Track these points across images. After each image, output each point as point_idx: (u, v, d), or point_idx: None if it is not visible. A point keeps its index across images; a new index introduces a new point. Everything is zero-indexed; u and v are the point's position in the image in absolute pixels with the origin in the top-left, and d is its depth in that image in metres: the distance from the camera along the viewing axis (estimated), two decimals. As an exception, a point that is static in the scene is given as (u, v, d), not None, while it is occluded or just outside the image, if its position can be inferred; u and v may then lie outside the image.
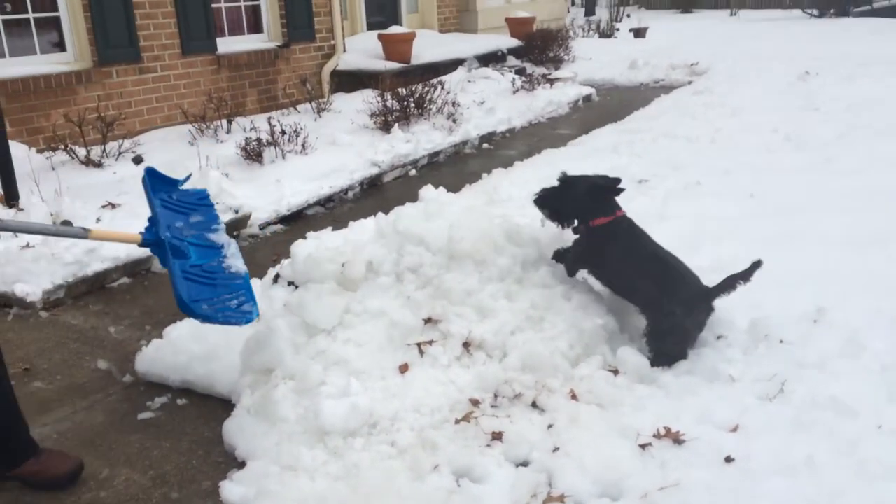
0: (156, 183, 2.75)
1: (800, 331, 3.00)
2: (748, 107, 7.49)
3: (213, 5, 7.88)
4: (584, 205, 3.14)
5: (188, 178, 2.96)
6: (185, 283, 2.42)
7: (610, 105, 9.00)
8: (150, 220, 2.61)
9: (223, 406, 3.00)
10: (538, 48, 11.39)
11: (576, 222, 3.21)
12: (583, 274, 3.24)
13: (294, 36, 8.77)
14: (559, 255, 3.25)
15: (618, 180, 3.15)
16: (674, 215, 4.39)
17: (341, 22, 9.34)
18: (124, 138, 6.36)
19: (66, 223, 4.43)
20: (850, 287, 3.34)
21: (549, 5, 15.42)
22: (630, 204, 4.58)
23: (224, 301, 2.54)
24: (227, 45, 8.11)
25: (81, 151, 5.95)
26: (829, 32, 15.84)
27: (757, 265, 2.89)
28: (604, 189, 3.13)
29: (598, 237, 3.10)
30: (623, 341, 3.04)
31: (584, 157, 5.99)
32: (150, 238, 2.54)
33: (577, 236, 3.22)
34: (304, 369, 2.80)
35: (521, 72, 10.57)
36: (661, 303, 2.92)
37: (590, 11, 26.54)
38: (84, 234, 2.38)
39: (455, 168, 6.59)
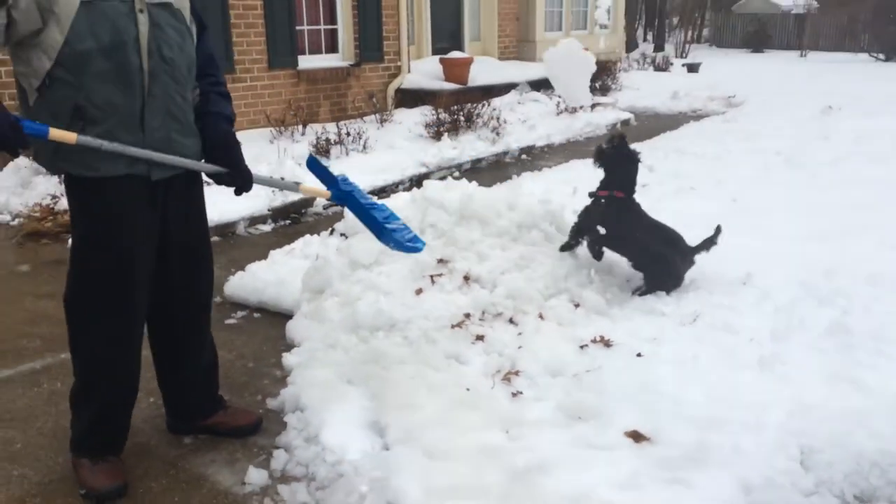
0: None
1: (728, 288, 3.88)
2: (764, 133, 8.30)
3: (297, 28, 9.16)
4: (626, 163, 4.05)
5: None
6: (379, 223, 2.91)
7: (644, 128, 9.89)
8: (326, 180, 2.96)
9: (287, 318, 4.04)
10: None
11: None
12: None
13: (365, 57, 9.98)
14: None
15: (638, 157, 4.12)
16: (661, 209, 5.26)
17: (408, 46, 10.53)
18: (217, 135, 7.59)
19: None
20: (781, 265, 4.18)
21: (605, 39, 16.40)
22: (630, 202, 5.51)
23: (403, 234, 2.99)
24: (307, 62, 9.37)
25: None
26: (883, 75, 16.32)
27: (719, 230, 4.00)
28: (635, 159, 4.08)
29: (612, 208, 4.02)
30: (590, 289, 3.97)
31: (603, 166, 6.91)
32: (337, 193, 2.93)
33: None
34: (348, 289, 3.84)
35: (569, 97, 11.53)
36: (667, 259, 3.92)
37: (659, 47, 27.46)
38: (296, 187, 2.92)
39: (494, 173, 7.60)
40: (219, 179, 2.61)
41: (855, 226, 4.82)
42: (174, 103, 2.41)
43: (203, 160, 2.57)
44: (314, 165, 3.00)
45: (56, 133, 2.22)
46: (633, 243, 4.00)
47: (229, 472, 2.76)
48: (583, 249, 4.19)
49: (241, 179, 2.61)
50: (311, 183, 3.06)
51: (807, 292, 3.72)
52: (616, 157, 4.02)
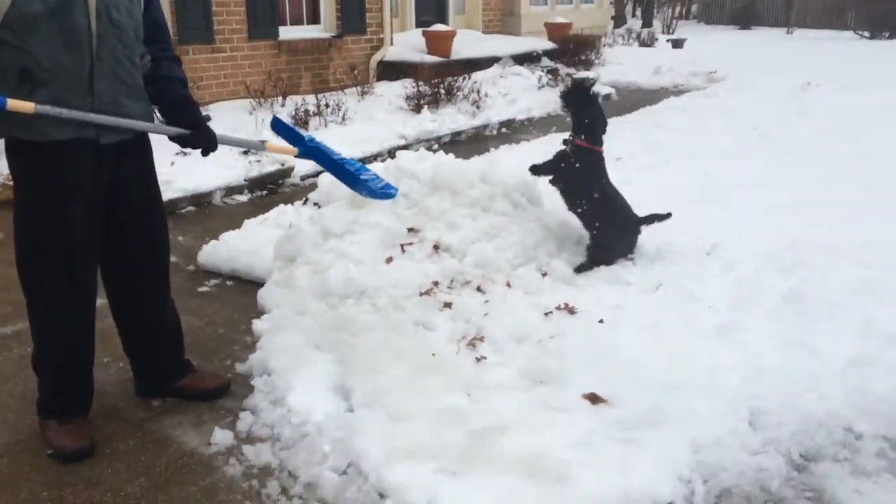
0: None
1: (693, 259, 3.95)
2: (742, 108, 8.36)
3: (278, -2, 9.10)
4: (586, 100, 4.13)
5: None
6: (351, 173, 2.99)
7: (624, 103, 9.91)
8: (292, 140, 2.98)
9: (260, 286, 4.07)
10: (571, 51, 12.34)
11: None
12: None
13: (347, 28, 9.92)
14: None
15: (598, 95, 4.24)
16: (636, 181, 5.33)
17: (390, 19, 10.47)
18: (196, 105, 7.56)
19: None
20: (748, 236, 4.24)
21: (591, 14, 16.36)
22: (605, 174, 5.56)
23: (375, 183, 3.07)
24: (288, 32, 9.30)
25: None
26: (865, 52, 16.38)
27: (668, 215, 4.00)
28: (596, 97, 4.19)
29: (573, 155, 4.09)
30: (558, 258, 4.03)
31: (580, 140, 6.95)
32: (304, 150, 2.95)
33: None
34: (319, 258, 3.87)
35: (552, 72, 11.50)
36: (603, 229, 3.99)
37: (647, 23, 27.38)
38: (262, 145, 2.94)
39: (473, 146, 7.61)
40: (183, 142, 2.63)
41: (822, 199, 4.89)
42: (122, 67, 2.42)
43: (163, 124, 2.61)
44: (279, 126, 3.02)
45: (14, 104, 2.24)
46: (588, 201, 4.04)
47: (195, 434, 2.82)
48: (553, 218, 4.26)
49: (205, 140, 2.64)
50: (278, 142, 3.08)
51: (769, 263, 3.79)
52: (575, 97, 4.12)
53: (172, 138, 2.62)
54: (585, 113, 4.08)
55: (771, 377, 2.84)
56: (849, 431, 2.58)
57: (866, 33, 22.50)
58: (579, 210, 4.10)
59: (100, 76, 2.36)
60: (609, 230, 4.00)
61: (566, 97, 4.17)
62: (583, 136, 4.08)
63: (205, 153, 2.70)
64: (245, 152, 6.12)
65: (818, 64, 13.11)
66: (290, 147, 3.00)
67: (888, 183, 5.17)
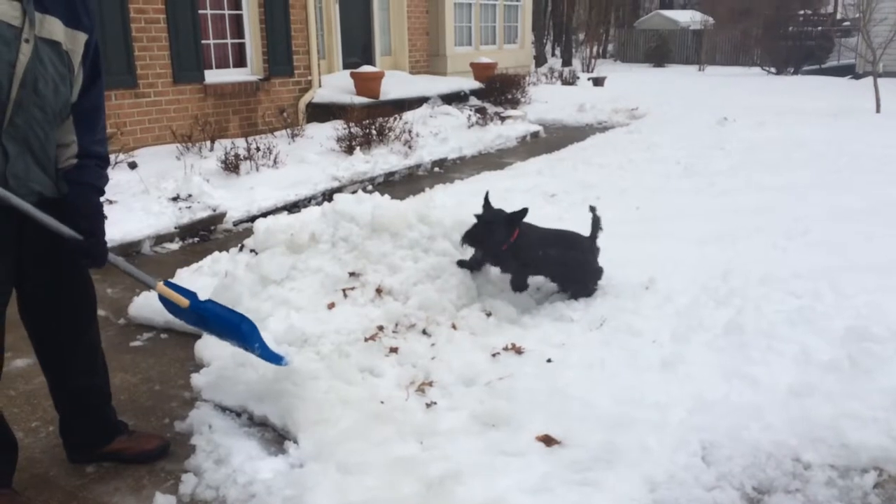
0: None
1: (632, 293, 4.02)
2: (665, 143, 8.66)
3: (203, 42, 8.98)
4: (505, 231, 3.96)
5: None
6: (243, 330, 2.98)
7: (552, 140, 10.15)
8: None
9: (196, 338, 3.93)
10: (497, 90, 12.60)
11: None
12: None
13: (275, 71, 9.87)
14: (468, 263, 4.07)
15: (525, 210, 3.98)
16: (570, 217, 5.41)
17: (318, 61, 10.48)
18: (120, 152, 7.35)
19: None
20: (682, 268, 4.36)
21: (514, 54, 16.76)
22: (540, 211, 5.67)
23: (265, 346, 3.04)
24: (214, 76, 9.18)
25: (83, 160, 6.92)
26: (774, 87, 17.27)
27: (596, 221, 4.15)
28: (520, 217, 3.99)
29: (520, 245, 3.99)
30: (501, 298, 4.03)
31: (513, 177, 7.07)
32: (196, 305, 2.95)
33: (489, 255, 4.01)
34: (258, 306, 3.78)
35: (480, 111, 11.70)
36: (579, 262, 4.02)
37: (566, 62, 28.26)
38: (153, 284, 2.95)
39: (407, 186, 7.63)
40: (73, 247, 2.45)
41: (748, 230, 5.08)
42: (35, 137, 2.31)
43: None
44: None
45: None
46: (545, 261, 4.02)
47: (135, 500, 2.67)
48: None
49: (97, 251, 2.48)
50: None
51: (705, 294, 3.89)
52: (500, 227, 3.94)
53: (62, 239, 2.43)
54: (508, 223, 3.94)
55: (717, 409, 2.89)
56: (797, 462, 2.63)
57: (773, 69, 23.79)
58: (548, 274, 4.12)
59: (9, 140, 2.26)
60: (577, 268, 4.04)
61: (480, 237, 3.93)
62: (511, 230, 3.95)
63: (90, 265, 2.56)
64: (174, 199, 5.95)
65: (731, 99, 13.75)
66: (182, 299, 2.95)
67: (810, 214, 5.41)
